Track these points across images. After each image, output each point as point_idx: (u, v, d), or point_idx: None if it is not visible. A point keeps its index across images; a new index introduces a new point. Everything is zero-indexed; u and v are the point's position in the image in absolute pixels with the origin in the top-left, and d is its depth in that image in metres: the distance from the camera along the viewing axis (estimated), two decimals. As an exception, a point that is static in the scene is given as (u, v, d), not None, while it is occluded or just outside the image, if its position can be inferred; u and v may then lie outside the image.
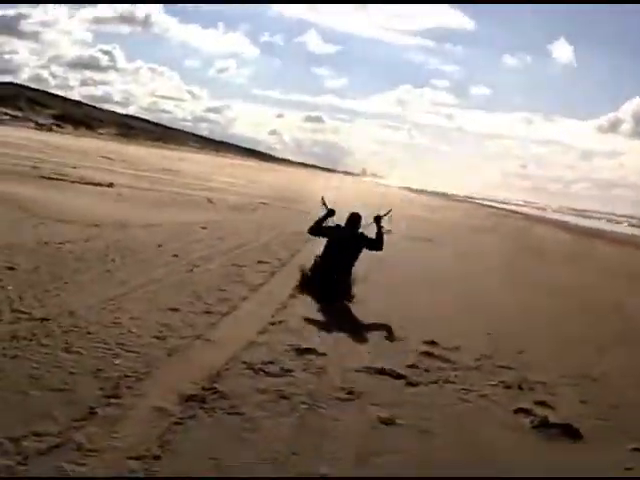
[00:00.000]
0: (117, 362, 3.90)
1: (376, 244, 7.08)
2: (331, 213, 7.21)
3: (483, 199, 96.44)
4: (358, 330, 5.73)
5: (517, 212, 52.92)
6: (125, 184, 17.32)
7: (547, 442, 3.75)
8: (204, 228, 10.70)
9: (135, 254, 7.55)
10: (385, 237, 7.24)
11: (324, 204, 7.29)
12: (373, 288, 7.65)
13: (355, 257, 7.09)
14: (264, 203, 18.30)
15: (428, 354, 5.16)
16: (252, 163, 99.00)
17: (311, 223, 7.36)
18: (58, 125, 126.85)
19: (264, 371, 4.16)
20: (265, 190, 26.37)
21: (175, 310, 5.37)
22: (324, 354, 4.75)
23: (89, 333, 4.37)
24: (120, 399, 3.36)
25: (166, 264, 7.28)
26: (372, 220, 7.27)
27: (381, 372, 4.52)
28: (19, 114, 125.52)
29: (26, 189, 12.06)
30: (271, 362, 4.35)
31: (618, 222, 57.82)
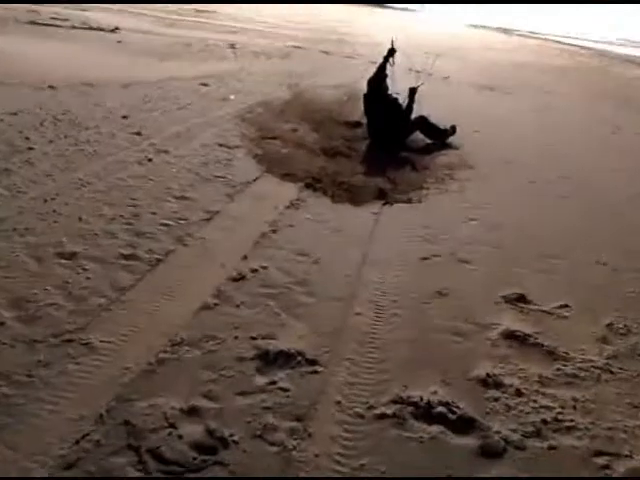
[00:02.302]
0: None
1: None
2: (392, 51, 6.46)
3: (550, 34, 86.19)
4: (382, 287, 3.30)
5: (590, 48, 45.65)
6: (134, 28, 14.35)
7: None
8: (204, 85, 8.02)
9: (75, 133, 5.15)
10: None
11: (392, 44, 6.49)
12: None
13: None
14: (299, 47, 15.03)
15: (514, 337, 2.75)
16: None
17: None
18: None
19: (162, 461, 1.88)
20: (309, 31, 22.59)
21: (68, 258, 3.07)
22: (314, 363, 2.42)
23: None
24: None
25: (116, 150, 4.87)
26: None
27: (428, 413, 2.19)
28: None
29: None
30: (192, 410, 2.07)
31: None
